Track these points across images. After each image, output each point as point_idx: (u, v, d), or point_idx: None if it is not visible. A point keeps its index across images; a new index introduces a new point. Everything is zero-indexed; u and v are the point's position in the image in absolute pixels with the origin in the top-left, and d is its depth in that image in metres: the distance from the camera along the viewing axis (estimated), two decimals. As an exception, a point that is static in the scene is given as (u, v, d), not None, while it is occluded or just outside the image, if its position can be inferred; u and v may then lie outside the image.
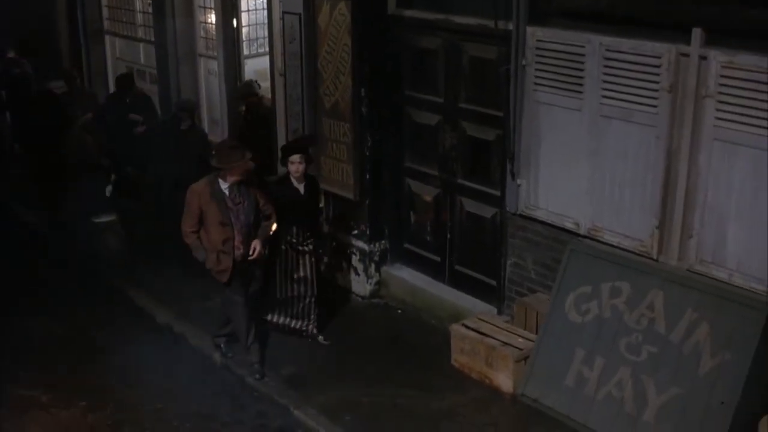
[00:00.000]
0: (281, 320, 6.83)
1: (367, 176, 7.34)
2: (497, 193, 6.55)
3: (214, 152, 6.22)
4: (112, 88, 10.87)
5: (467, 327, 6.35)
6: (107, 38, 11.42)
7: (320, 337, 6.82)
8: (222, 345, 6.65)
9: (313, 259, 6.69)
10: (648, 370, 5.37)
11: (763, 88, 4.77)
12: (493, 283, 6.74)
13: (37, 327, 7.20)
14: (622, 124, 5.53)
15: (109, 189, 8.61)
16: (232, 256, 6.11)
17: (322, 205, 7.50)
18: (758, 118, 4.83)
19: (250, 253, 6.18)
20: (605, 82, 5.55)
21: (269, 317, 6.84)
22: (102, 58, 11.39)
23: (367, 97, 7.14)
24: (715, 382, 5.06)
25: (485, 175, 6.68)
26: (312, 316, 6.77)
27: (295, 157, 6.45)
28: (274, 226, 6.44)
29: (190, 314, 7.33)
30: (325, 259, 7.59)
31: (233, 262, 6.14)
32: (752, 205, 5.00)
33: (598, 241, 5.85)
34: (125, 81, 9.44)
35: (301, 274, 6.67)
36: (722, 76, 4.95)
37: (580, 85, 5.70)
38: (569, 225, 6.01)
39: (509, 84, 6.09)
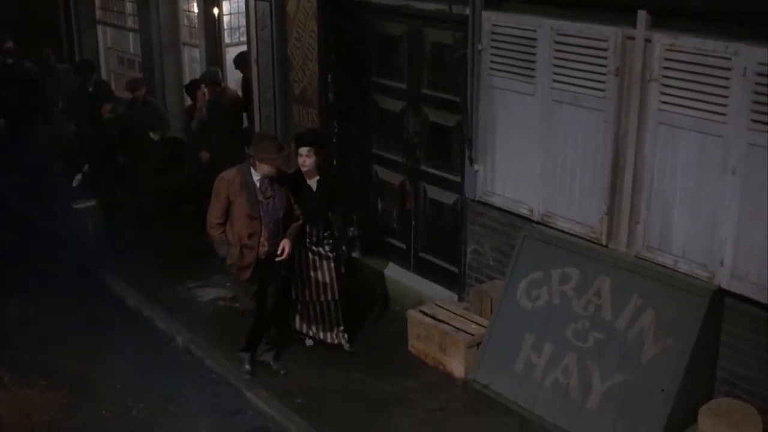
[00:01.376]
0: (308, 330, 6.47)
1: (334, 163, 7.34)
2: (458, 179, 6.51)
3: (251, 141, 5.84)
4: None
5: (424, 313, 6.33)
6: (99, 28, 11.52)
7: (346, 345, 6.44)
8: (247, 363, 6.20)
9: (331, 262, 6.26)
10: (594, 357, 5.33)
11: (705, 70, 4.70)
12: (455, 270, 6.71)
13: (5, 308, 7.28)
14: (573, 109, 5.49)
15: (78, 178, 8.63)
16: (256, 251, 5.78)
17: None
18: (700, 101, 4.77)
19: (279, 253, 5.83)
20: (556, 66, 5.51)
21: (297, 326, 6.48)
22: (94, 48, 11.48)
23: (334, 84, 7.14)
24: (657, 369, 5.01)
25: (447, 162, 6.65)
26: (337, 322, 6.39)
27: (303, 150, 6.05)
28: None
29: (160, 298, 7.39)
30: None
31: (257, 259, 5.82)
32: (696, 190, 4.94)
33: (551, 227, 5.81)
34: (87, 68, 9.41)
35: (319, 277, 6.26)
36: (666, 59, 4.89)
37: (533, 69, 5.66)
38: (524, 211, 5.97)
39: (466, 69, 6.06)
